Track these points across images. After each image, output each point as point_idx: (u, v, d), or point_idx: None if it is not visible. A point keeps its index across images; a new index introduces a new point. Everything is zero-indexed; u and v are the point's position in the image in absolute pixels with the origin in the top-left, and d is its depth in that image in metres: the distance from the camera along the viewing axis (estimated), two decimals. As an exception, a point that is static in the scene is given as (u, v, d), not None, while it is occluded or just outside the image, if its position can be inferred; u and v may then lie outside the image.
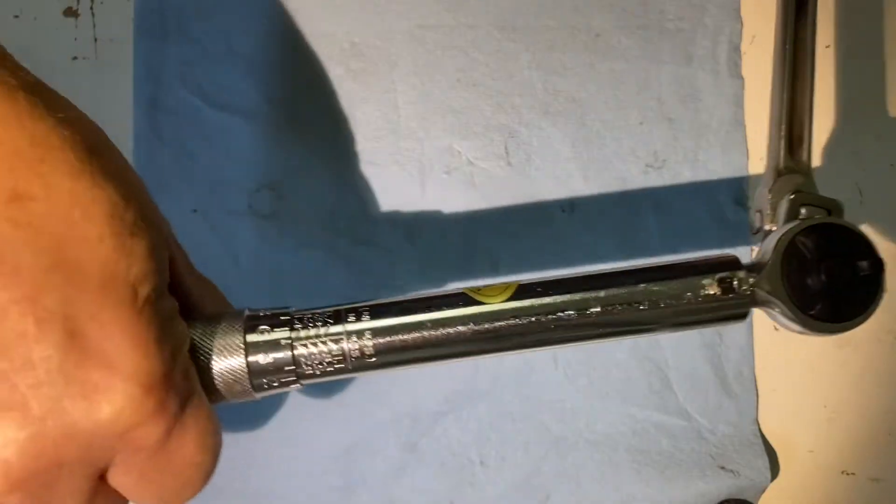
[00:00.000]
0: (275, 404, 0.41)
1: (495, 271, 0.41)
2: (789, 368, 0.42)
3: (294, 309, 0.25)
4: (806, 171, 0.32)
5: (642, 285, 0.25)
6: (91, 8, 0.43)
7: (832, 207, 0.30)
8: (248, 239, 0.41)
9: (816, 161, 0.42)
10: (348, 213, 0.42)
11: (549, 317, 0.25)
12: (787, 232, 0.26)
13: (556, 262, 0.42)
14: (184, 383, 0.22)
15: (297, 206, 0.42)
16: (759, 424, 0.42)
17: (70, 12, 0.43)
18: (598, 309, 0.25)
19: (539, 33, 0.42)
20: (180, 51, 0.42)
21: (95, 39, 0.43)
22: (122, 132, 0.41)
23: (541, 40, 0.42)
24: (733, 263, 0.26)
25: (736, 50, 0.42)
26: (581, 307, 0.25)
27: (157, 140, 0.41)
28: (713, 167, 0.42)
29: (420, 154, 0.42)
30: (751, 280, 0.26)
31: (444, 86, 0.42)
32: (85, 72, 0.42)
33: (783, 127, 0.33)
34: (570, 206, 0.42)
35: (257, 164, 0.42)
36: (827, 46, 0.43)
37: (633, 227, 0.42)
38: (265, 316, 0.24)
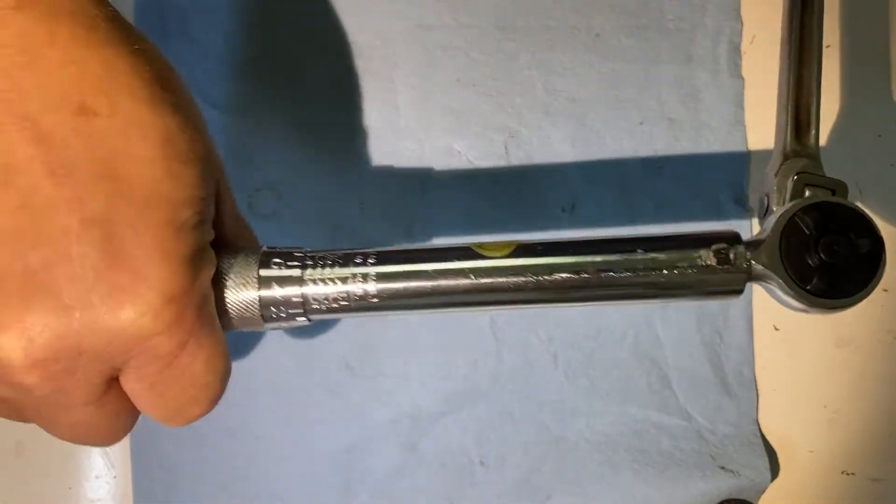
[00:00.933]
0: (275, 404, 0.41)
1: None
2: (789, 368, 0.42)
3: (308, 249, 0.27)
4: (813, 154, 0.32)
5: (639, 252, 0.26)
6: (91, 8, 0.43)
7: (837, 188, 0.30)
8: (248, 239, 0.41)
9: (816, 161, 0.42)
10: (348, 213, 0.42)
11: (545, 277, 0.26)
12: (787, 209, 0.26)
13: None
14: (202, 306, 0.23)
15: (297, 206, 0.42)
16: (759, 424, 0.42)
17: (70, 12, 0.43)
18: (594, 272, 0.26)
19: (539, 33, 0.42)
20: (180, 51, 0.42)
21: (95, 39, 0.43)
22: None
23: (541, 40, 0.42)
24: (732, 237, 0.26)
25: (736, 50, 0.42)
26: (577, 269, 0.26)
27: (157, 140, 0.41)
28: (713, 167, 0.42)
29: (420, 154, 0.42)
30: (748, 254, 0.26)
31: (444, 86, 0.42)
32: (85, 72, 0.42)
33: (790, 110, 0.32)
34: (570, 206, 0.42)
35: (257, 164, 0.42)
36: (827, 46, 0.43)
37: (633, 227, 0.42)
38: (280, 253, 0.26)
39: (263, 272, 0.26)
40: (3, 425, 0.42)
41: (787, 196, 0.30)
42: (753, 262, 0.26)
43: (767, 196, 0.33)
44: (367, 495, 0.41)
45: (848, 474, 0.42)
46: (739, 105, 0.42)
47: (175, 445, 0.41)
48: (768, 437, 0.42)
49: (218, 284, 0.25)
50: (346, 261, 0.26)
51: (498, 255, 0.26)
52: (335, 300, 0.26)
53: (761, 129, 0.42)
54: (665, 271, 0.26)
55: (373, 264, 0.26)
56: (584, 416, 0.41)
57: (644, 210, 0.42)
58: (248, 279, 0.25)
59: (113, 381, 0.24)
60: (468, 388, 0.41)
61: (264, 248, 0.26)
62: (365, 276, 0.26)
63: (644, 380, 0.41)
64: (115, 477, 0.42)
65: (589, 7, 0.42)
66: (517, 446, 0.41)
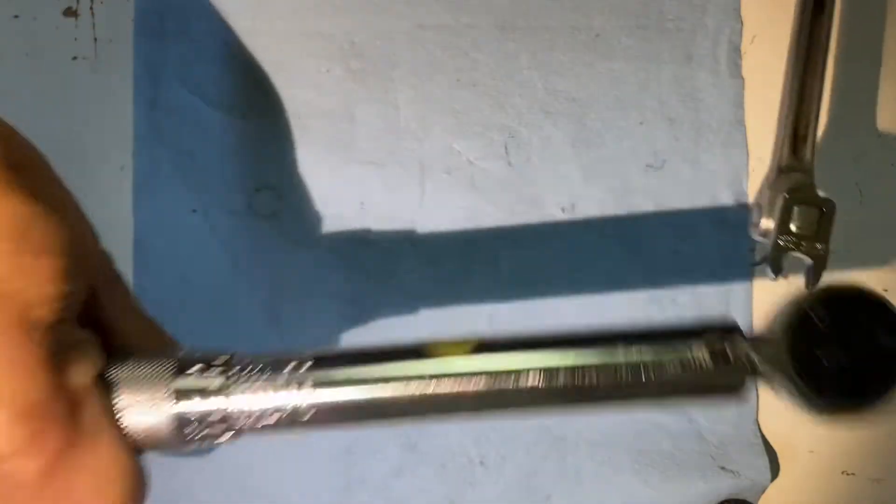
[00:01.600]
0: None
1: (495, 271, 0.41)
2: (789, 368, 0.42)
3: (233, 353, 0.23)
4: (808, 169, 0.32)
5: (621, 349, 0.22)
6: (91, 8, 0.43)
7: (826, 207, 0.30)
8: (248, 239, 0.41)
9: (816, 161, 0.42)
10: (348, 214, 0.42)
11: (510, 385, 0.22)
12: (799, 299, 0.22)
13: (556, 262, 0.42)
14: (73, 416, 0.20)
15: (297, 206, 0.42)
16: (759, 425, 0.42)
17: (70, 12, 0.43)
18: (567, 377, 0.22)
19: (539, 33, 0.42)
20: (180, 51, 0.42)
21: (95, 39, 0.43)
22: (122, 132, 0.41)
23: (541, 40, 0.42)
24: (729, 330, 0.22)
25: (736, 50, 0.42)
26: (548, 374, 0.22)
27: (157, 140, 0.41)
28: (713, 167, 0.42)
29: (420, 154, 0.42)
30: (749, 348, 0.22)
31: (444, 86, 0.42)
32: (85, 72, 0.42)
33: (788, 125, 0.33)
34: (571, 206, 0.42)
35: (257, 164, 0.42)
36: (827, 46, 0.43)
37: (633, 227, 0.42)
38: (200, 357, 0.22)
39: (180, 382, 0.22)
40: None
41: (777, 216, 0.29)
42: (756, 358, 0.22)
43: (760, 207, 0.33)
44: (367, 495, 0.41)
45: (848, 474, 0.42)
46: (739, 105, 0.42)
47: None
48: (768, 438, 0.42)
49: (121, 399, 0.22)
50: (276, 367, 0.22)
51: (454, 354, 0.22)
52: (259, 417, 0.22)
53: (761, 129, 0.42)
54: (651, 375, 0.22)
55: (309, 368, 0.22)
56: (584, 416, 0.41)
57: (644, 210, 0.42)
58: (158, 390, 0.22)
59: None
60: (468, 388, 0.41)
61: (182, 353, 0.23)
62: (300, 383, 0.22)
63: (644, 380, 0.41)
64: (114, 477, 0.42)
65: (589, 7, 0.42)
66: (517, 446, 0.41)
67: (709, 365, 0.22)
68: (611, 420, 0.41)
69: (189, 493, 0.41)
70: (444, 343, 0.22)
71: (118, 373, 0.22)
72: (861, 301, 0.22)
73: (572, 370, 0.22)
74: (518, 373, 0.22)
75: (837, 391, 0.21)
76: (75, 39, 0.43)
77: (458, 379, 0.22)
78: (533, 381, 0.22)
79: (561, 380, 0.22)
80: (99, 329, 0.23)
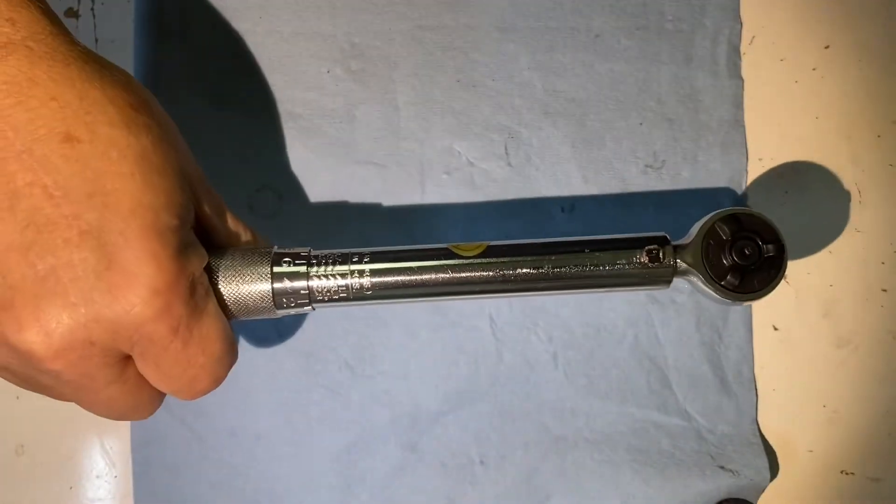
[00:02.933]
0: (275, 404, 0.41)
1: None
2: (789, 368, 0.42)
3: (310, 249, 0.32)
4: None
5: (587, 251, 0.32)
6: (91, 8, 0.43)
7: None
8: (249, 239, 0.41)
9: (816, 161, 0.42)
10: (348, 213, 0.42)
11: (510, 271, 0.31)
12: (709, 217, 0.32)
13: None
14: (194, 295, 0.27)
15: (297, 206, 0.42)
16: (758, 424, 0.42)
17: (71, 13, 0.43)
18: (549, 267, 0.32)
19: (539, 34, 0.42)
20: (180, 51, 0.42)
21: (96, 40, 0.43)
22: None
23: (541, 41, 0.42)
24: (662, 239, 0.32)
25: (735, 51, 0.43)
26: (535, 265, 0.32)
27: (157, 140, 0.41)
28: (713, 167, 0.42)
29: (420, 154, 0.42)
30: (675, 253, 0.32)
31: (444, 86, 0.42)
32: (85, 72, 0.42)
33: None
34: (570, 206, 0.42)
35: (257, 164, 0.42)
36: (827, 47, 0.43)
37: (632, 228, 0.42)
38: (289, 253, 0.31)
39: (276, 269, 0.30)
40: (3, 426, 0.42)
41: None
42: (679, 260, 0.32)
43: None
44: (367, 495, 0.41)
45: (847, 474, 0.43)
46: (739, 105, 0.42)
47: (175, 445, 0.41)
48: (768, 437, 0.42)
49: (231, 280, 0.30)
50: (344, 259, 0.31)
51: (471, 254, 0.32)
52: (336, 292, 0.31)
53: (760, 130, 0.42)
54: (607, 267, 0.32)
55: (367, 262, 0.31)
56: (584, 415, 0.41)
57: (644, 210, 0.42)
58: (262, 274, 0.30)
59: (128, 364, 0.28)
60: (468, 387, 0.41)
61: (275, 249, 0.31)
62: (361, 272, 0.31)
63: (643, 379, 0.41)
64: (115, 476, 0.42)
65: (589, 8, 0.42)
66: (517, 446, 0.41)
67: (646, 262, 0.31)
68: (610, 419, 0.41)
69: (190, 492, 0.41)
70: (465, 245, 0.32)
71: (219, 262, 0.30)
72: (753, 220, 0.32)
73: (553, 262, 0.32)
74: (516, 262, 0.32)
75: (735, 283, 0.31)
76: (76, 40, 0.43)
77: (475, 266, 0.31)
78: (526, 268, 0.32)
79: (545, 268, 0.32)
80: (201, 231, 0.31)
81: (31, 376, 0.27)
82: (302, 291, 0.31)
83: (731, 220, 0.32)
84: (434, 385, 0.41)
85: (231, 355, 0.30)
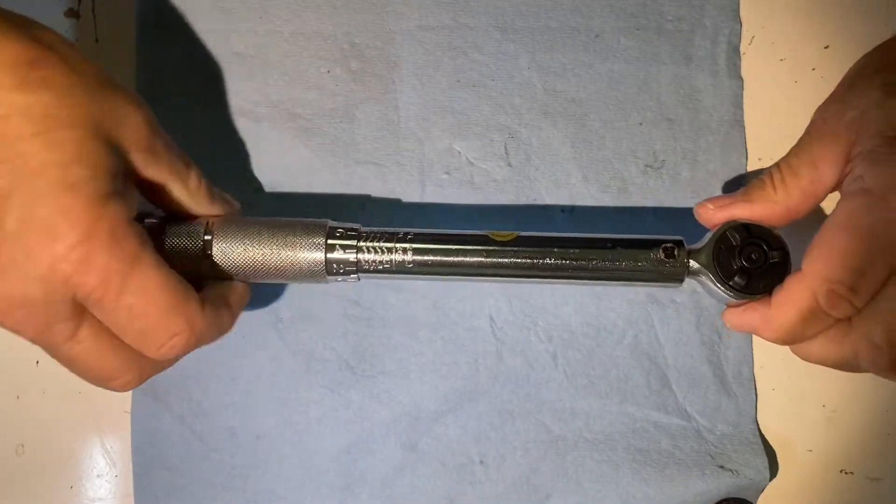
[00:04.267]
0: (275, 404, 0.41)
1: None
2: (789, 368, 0.42)
3: (359, 225, 0.36)
4: None
5: (609, 246, 0.35)
6: (92, 9, 0.43)
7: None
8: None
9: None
10: (349, 213, 0.42)
11: (539, 260, 0.35)
12: (723, 225, 0.35)
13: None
14: (120, 244, 0.27)
15: (297, 206, 0.42)
16: (758, 424, 0.42)
17: (71, 13, 0.43)
18: (574, 258, 0.35)
19: (539, 34, 0.42)
20: (180, 51, 0.42)
21: (96, 40, 0.43)
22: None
23: (540, 41, 0.42)
24: (678, 241, 0.35)
25: (735, 51, 0.43)
26: (563, 256, 0.35)
27: (157, 140, 0.41)
28: (712, 167, 0.42)
29: (420, 154, 0.42)
30: (689, 254, 0.35)
31: (444, 86, 0.42)
32: (85, 72, 0.42)
33: None
34: (570, 206, 0.42)
35: (257, 164, 0.42)
36: (827, 47, 0.43)
37: (632, 227, 0.42)
38: (342, 227, 0.35)
39: (330, 241, 0.35)
40: (3, 426, 0.42)
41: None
42: (692, 261, 0.35)
43: None
44: (367, 494, 0.41)
45: (846, 473, 0.43)
46: (738, 105, 0.42)
47: (175, 445, 0.41)
48: (767, 437, 0.42)
49: (285, 246, 0.34)
50: (391, 237, 0.35)
51: (504, 240, 0.35)
52: (381, 264, 0.35)
53: (760, 130, 0.42)
54: (626, 262, 0.35)
55: (410, 241, 0.35)
56: (584, 415, 0.41)
57: (644, 210, 0.42)
58: (316, 244, 0.34)
59: (83, 319, 0.28)
60: (468, 387, 0.41)
61: (329, 223, 0.35)
62: (405, 249, 0.35)
63: (643, 379, 0.42)
64: (116, 476, 0.42)
65: (588, 8, 0.42)
66: (517, 446, 0.41)
67: (662, 258, 0.35)
68: (610, 419, 0.41)
69: (190, 492, 0.41)
70: (498, 232, 0.36)
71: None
72: (761, 231, 0.34)
73: (577, 255, 0.35)
74: (544, 252, 0.35)
75: (741, 283, 0.34)
76: (77, 40, 0.43)
77: (507, 253, 0.35)
78: (552, 258, 0.35)
79: (570, 259, 0.35)
80: (154, 187, 0.32)
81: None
82: (351, 261, 0.35)
83: (742, 228, 0.34)
84: (434, 385, 0.41)
85: (175, 305, 0.29)
